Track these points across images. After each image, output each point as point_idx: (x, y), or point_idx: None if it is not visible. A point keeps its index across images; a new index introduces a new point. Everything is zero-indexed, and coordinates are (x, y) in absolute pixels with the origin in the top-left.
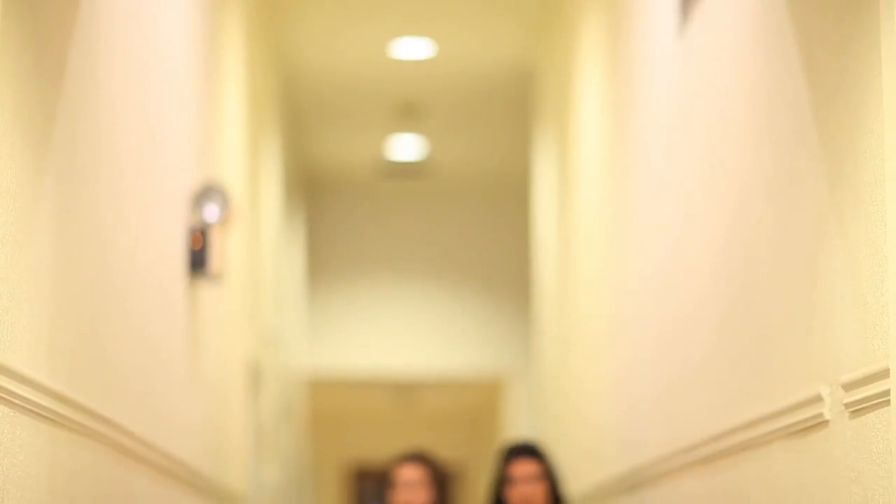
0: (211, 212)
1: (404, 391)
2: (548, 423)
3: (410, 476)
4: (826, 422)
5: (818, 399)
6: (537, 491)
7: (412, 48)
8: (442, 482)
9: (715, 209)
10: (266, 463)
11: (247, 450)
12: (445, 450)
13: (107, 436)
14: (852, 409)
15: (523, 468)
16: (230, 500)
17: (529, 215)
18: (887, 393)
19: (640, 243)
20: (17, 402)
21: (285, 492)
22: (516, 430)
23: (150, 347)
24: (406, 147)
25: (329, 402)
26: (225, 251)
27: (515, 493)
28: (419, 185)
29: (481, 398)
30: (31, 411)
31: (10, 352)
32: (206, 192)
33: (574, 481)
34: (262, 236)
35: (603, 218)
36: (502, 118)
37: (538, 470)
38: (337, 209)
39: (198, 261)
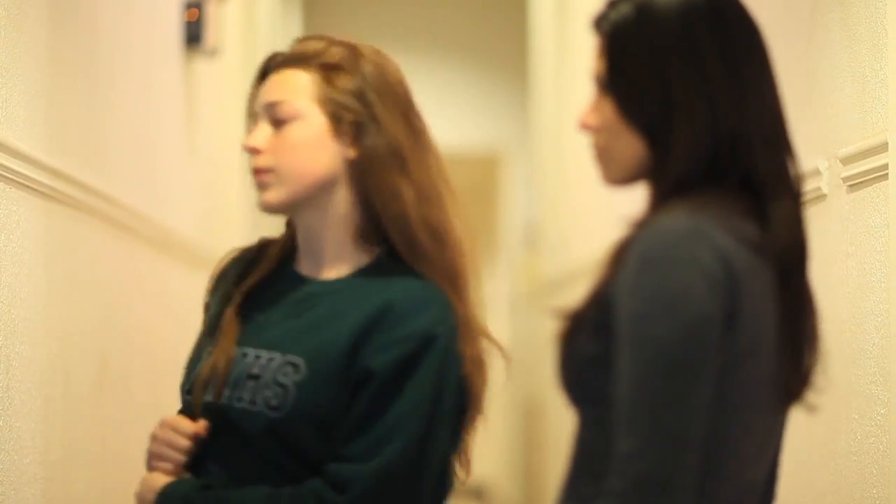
0: None
1: None
2: (545, 199)
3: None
4: (824, 196)
5: (816, 173)
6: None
7: None
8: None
9: None
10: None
11: (245, 225)
12: None
13: (104, 210)
14: (850, 182)
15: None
16: None
17: None
18: (885, 167)
19: None
20: (12, 177)
21: None
22: (513, 205)
23: (147, 123)
24: None
25: None
26: (221, 25)
27: None
28: None
29: (478, 174)
30: (28, 187)
31: (6, 127)
32: None
33: (571, 257)
34: (258, 9)
35: None
36: None
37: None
38: None
39: (193, 35)
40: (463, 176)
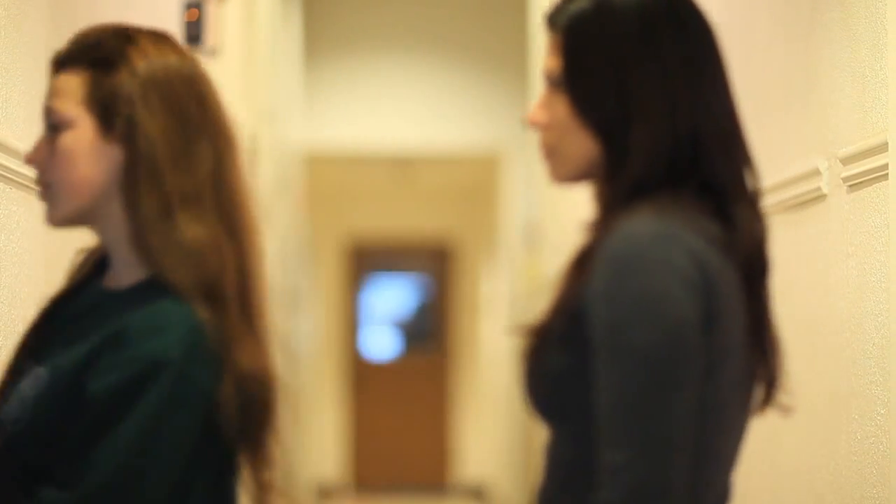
0: None
1: (402, 166)
2: (545, 199)
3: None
4: (824, 196)
5: (816, 173)
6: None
7: None
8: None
9: None
10: (264, 239)
11: None
12: (442, 226)
13: None
14: (850, 182)
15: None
16: None
17: None
18: (885, 167)
19: None
20: (12, 177)
21: (284, 267)
22: (513, 205)
23: None
24: None
25: (326, 177)
26: (221, 25)
27: None
28: None
29: (479, 173)
30: (28, 187)
31: (6, 127)
32: None
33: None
34: (258, 9)
35: None
36: None
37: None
38: None
39: (193, 34)
40: (463, 176)
